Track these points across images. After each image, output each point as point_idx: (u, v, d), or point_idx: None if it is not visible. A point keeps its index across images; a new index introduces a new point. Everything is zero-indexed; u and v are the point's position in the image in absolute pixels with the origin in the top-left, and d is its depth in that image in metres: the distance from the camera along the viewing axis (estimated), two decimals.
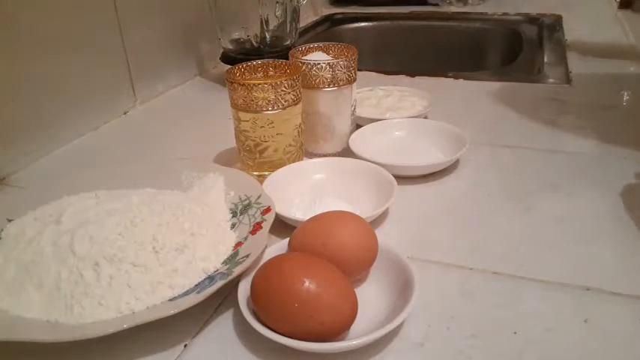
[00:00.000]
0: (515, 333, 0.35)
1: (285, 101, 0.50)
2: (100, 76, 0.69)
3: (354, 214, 0.40)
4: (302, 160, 0.55)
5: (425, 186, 0.53)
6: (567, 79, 0.80)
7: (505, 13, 1.17)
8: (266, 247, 0.41)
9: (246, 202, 0.46)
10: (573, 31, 1.03)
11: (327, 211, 0.41)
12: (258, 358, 0.34)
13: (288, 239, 0.40)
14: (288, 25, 0.81)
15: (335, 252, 0.37)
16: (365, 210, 0.48)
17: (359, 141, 0.57)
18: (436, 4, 1.30)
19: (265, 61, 0.54)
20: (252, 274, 0.36)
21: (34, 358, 0.35)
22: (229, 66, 0.54)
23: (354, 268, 0.38)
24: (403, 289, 0.37)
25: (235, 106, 0.51)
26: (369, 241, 0.38)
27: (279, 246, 0.41)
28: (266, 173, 0.52)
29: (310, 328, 0.33)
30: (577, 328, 0.35)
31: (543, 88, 0.77)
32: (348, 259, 0.37)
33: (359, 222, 0.39)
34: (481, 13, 1.20)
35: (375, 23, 1.23)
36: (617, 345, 0.34)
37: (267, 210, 0.44)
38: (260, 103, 0.49)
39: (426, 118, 0.65)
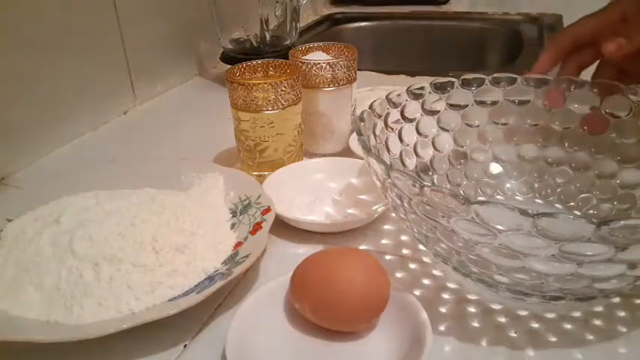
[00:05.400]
0: None
1: (285, 101, 0.50)
2: (100, 75, 0.69)
3: (364, 252, 0.36)
4: (302, 160, 0.55)
5: None
6: None
7: (505, 13, 1.17)
8: (266, 248, 0.41)
9: (246, 202, 0.46)
10: None
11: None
12: None
13: (288, 275, 0.37)
14: (288, 24, 0.81)
15: (339, 296, 0.33)
16: (365, 210, 0.48)
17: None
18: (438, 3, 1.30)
19: (265, 60, 0.54)
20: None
21: (34, 358, 0.35)
22: (229, 66, 0.54)
23: (361, 315, 0.34)
24: (414, 342, 0.33)
25: (235, 106, 0.51)
26: (379, 286, 0.34)
27: (280, 282, 0.37)
28: (266, 173, 0.52)
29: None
30: None
31: None
32: (356, 305, 0.33)
33: (369, 261, 0.35)
34: (481, 13, 1.20)
35: (375, 23, 1.22)
36: None
37: (267, 210, 0.44)
38: (260, 102, 0.49)
39: None
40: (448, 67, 0.88)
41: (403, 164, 0.45)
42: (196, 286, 0.38)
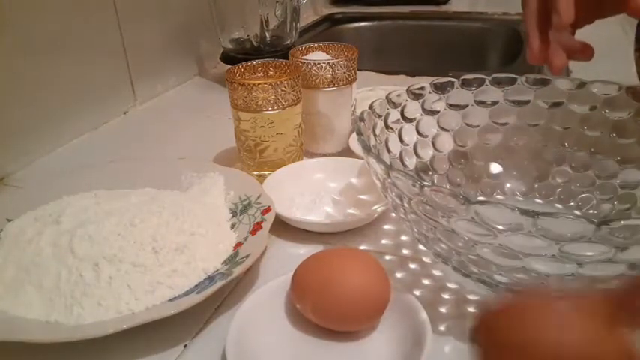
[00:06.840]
0: None
1: (285, 101, 0.50)
2: (100, 75, 0.69)
3: (364, 252, 0.36)
4: (302, 160, 0.55)
5: None
6: None
7: (505, 13, 1.17)
8: (266, 248, 0.41)
9: (246, 202, 0.46)
10: None
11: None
12: None
13: (288, 275, 0.37)
14: (288, 24, 0.81)
15: (341, 296, 0.34)
16: (365, 210, 0.48)
17: None
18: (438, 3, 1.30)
19: (265, 60, 0.54)
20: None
21: (34, 358, 0.35)
22: (229, 66, 0.54)
23: (362, 316, 0.34)
24: (414, 342, 0.33)
25: (235, 106, 0.51)
26: (380, 286, 0.34)
27: (280, 282, 0.38)
28: (266, 173, 0.52)
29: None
30: None
31: None
32: (357, 305, 0.34)
33: (370, 262, 0.35)
34: (481, 13, 1.20)
35: (375, 23, 1.22)
36: None
37: (267, 210, 0.44)
38: (260, 102, 0.49)
39: None
40: (448, 67, 0.87)
41: (403, 164, 0.46)
42: (196, 286, 0.38)
